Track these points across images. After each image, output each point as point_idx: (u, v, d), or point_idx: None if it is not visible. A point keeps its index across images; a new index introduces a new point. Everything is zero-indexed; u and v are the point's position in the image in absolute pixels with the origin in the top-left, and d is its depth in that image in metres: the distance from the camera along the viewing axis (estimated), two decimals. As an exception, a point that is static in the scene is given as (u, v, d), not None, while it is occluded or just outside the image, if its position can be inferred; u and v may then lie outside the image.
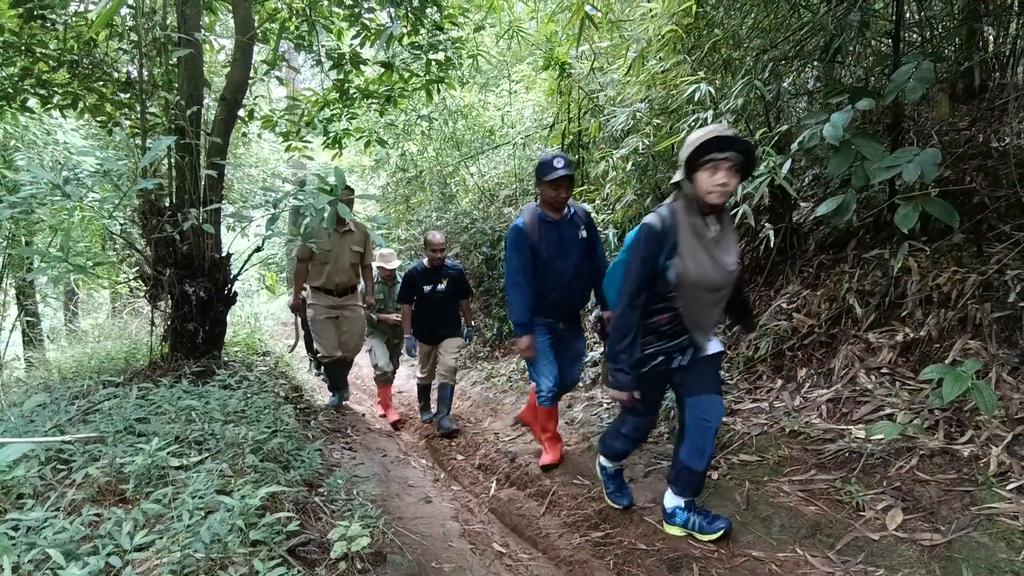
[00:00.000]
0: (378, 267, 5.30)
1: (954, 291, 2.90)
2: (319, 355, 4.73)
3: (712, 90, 3.57)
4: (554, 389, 3.39)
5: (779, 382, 3.38)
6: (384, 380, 5.41)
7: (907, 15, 3.82)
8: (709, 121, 3.53)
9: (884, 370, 2.96)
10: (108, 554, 1.50)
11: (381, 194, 10.32)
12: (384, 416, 5.46)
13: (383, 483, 3.18)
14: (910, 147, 2.62)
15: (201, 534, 1.53)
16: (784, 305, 3.68)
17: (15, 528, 1.60)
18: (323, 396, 5.38)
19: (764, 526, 2.48)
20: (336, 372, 4.89)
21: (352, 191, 4.62)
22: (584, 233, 3.35)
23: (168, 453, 2.06)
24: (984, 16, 3.52)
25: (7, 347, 7.23)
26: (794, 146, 2.96)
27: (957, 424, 2.58)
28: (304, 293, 4.78)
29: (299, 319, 5.08)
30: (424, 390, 5.36)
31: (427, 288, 4.78)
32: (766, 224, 3.52)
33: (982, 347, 2.70)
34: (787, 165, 2.98)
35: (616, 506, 2.90)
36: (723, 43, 3.95)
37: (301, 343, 5.75)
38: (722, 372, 3.72)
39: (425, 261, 4.80)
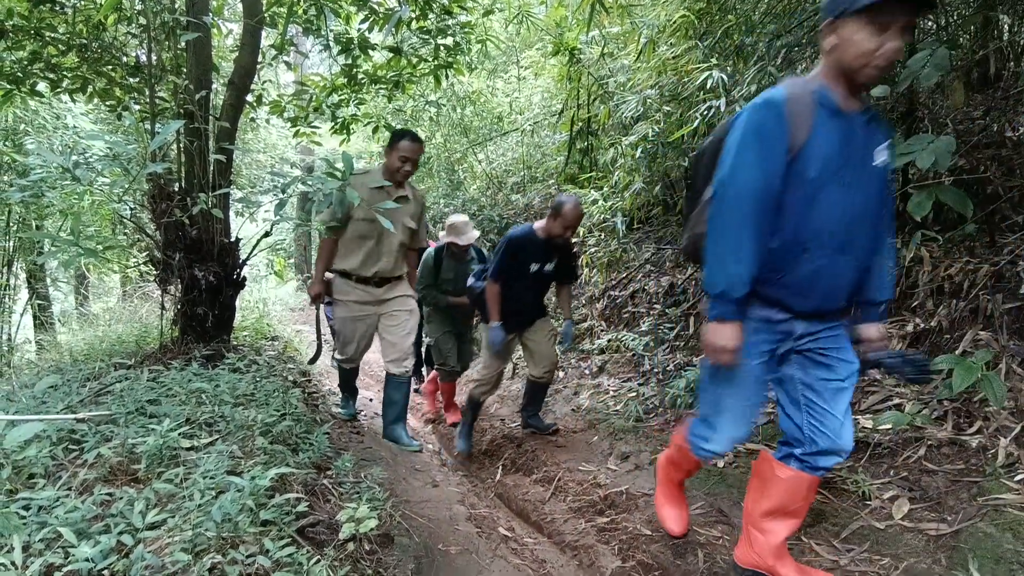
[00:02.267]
0: (447, 243, 4.16)
1: (966, 281, 2.88)
2: (337, 357, 3.76)
3: (724, 77, 3.54)
4: (727, 451, 2.07)
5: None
6: (450, 377, 4.59)
7: (923, 1, 3.75)
8: (722, 109, 3.50)
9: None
10: (120, 533, 1.52)
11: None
12: (436, 419, 4.80)
13: (390, 467, 3.20)
14: (924, 134, 2.59)
15: (212, 513, 1.54)
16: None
17: (26, 507, 1.62)
18: (331, 380, 5.40)
19: (770, 514, 2.48)
20: (353, 376, 3.97)
21: (422, 143, 3.46)
22: (885, 155, 1.80)
23: (179, 434, 2.09)
24: (1000, 4, 3.46)
25: (18, 330, 7.31)
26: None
27: (966, 415, 2.57)
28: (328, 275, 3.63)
29: (321, 313, 4.00)
30: (479, 406, 4.04)
31: (535, 267, 3.59)
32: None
33: (993, 338, 2.68)
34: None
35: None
36: (736, 29, 3.90)
37: (327, 350, 4.88)
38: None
39: (539, 230, 3.57)
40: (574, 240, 4.38)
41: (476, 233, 4.29)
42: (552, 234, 3.51)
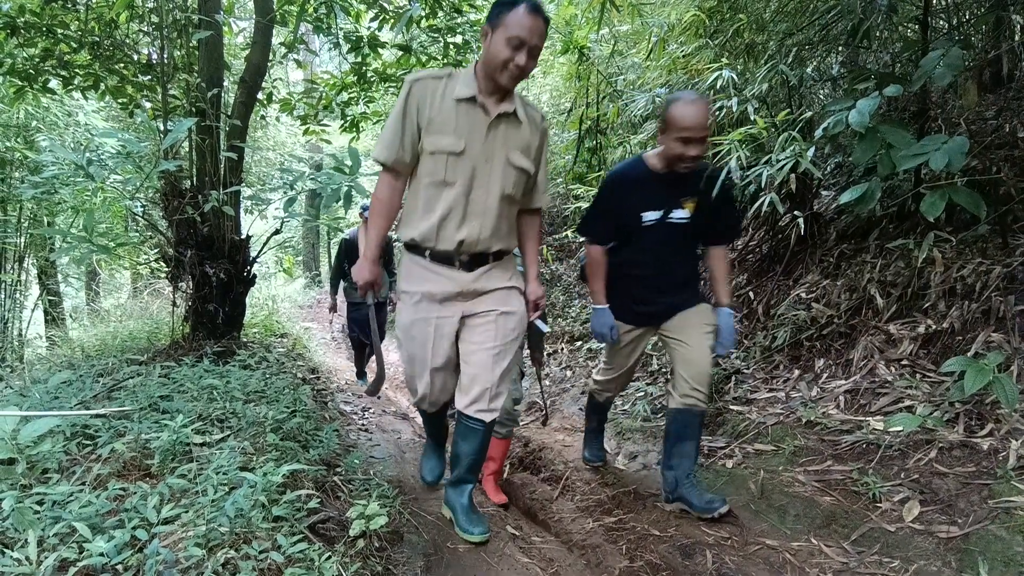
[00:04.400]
0: None
1: (978, 283, 2.86)
2: (416, 402, 2.40)
3: (735, 76, 3.52)
4: None
5: (796, 372, 3.36)
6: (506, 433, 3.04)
7: (935, 0, 3.74)
8: (733, 109, 3.49)
9: (904, 362, 2.93)
10: (134, 527, 1.54)
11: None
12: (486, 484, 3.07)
13: (399, 464, 3.22)
14: (937, 135, 2.57)
15: (226, 508, 1.56)
16: (803, 295, 3.65)
17: (40, 502, 1.63)
18: (339, 377, 5.40)
19: (778, 515, 2.48)
20: (439, 424, 2.66)
21: (546, 18, 2.15)
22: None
23: (192, 430, 2.10)
24: (1012, 4, 3.44)
25: (29, 325, 7.39)
26: (818, 133, 2.92)
27: (977, 417, 2.55)
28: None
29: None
30: (601, 408, 3.09)
31: (651, 217, 2.42)
32: (795, 212, 3.48)
33: (1005, 340, 2.66)
34: (811, 151, 2.94)
35: None
36: (746, 27, 3.88)
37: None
38: (739, 361, 3.71)
39: (651, 159, 2.43)
40: (716, 161, 2.98)
41: None
42: (671, 159, 2.30)
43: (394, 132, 2.03)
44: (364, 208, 5.21)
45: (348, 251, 5.26)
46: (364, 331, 5.48)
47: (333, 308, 5.75)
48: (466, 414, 2.20)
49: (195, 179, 3.67)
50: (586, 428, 3.24)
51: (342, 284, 5.66)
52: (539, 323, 2.46)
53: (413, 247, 2.15)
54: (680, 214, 2.43)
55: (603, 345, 2.86)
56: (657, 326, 2.61)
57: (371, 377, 5.86)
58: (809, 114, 3.43)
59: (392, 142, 2.04)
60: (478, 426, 2.21)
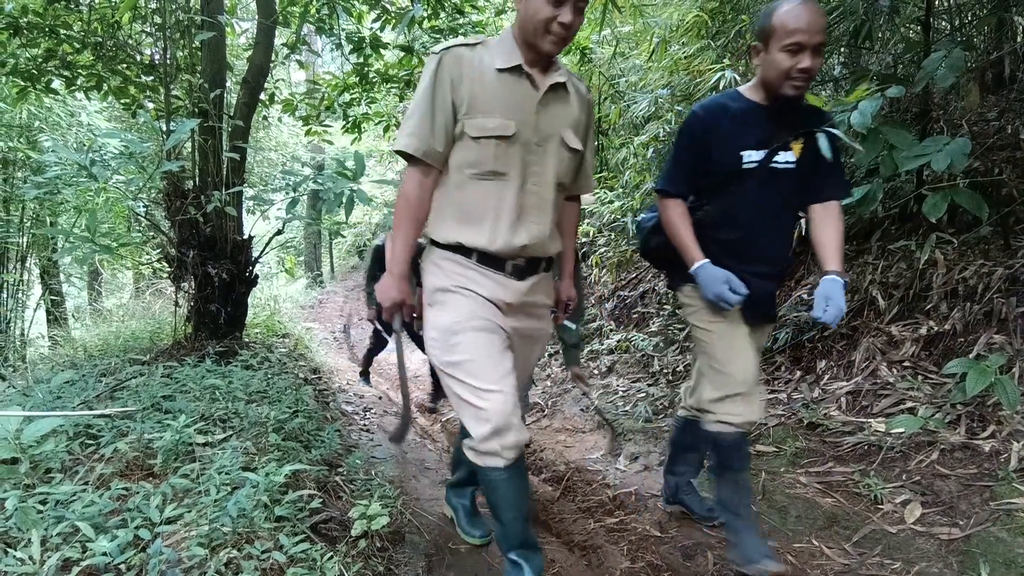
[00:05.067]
0: None
1: (980, 284, 2.86)
2: (482, 440, 1.63)
3: (737, 76, 3.53)
4: None
5: (797, 373, 3.36)
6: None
7: (937, 2, 3.74)
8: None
9: (906, 363, 2.93)
10: (137, 527, 1.54)
11: (399, 180, 10.34)
12: None
13: (400, 465, 3.22)
14: (939, 136, 2.57)
15: (228, 508, 1.56)
16: (805, 296, 3.65)
17: (43, 502, 1.64)
18: (340, 377, 5.41)
19: (780, 516, 2.48)
20: (521, 493, 1.78)
21: None
22: None
23: (194, 430, 2.11)
24: (1014, 5, 3.44)
25: (31, 325, 7.41)
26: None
27: (979, 419, 2.55)
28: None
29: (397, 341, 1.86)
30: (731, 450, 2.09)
31: (754, 157, 1.90)
32: (798, 213, 3.47)
33: (1007, 342, 2.66)
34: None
35: None
36: (748, 28, 3.89)
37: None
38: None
39: (747, 91, 1.97)
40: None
41: None
42: (775, 80, 1.82)
43: (423, 115, 1.62)
44: None
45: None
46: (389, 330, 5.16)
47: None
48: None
49: (198, 179, 3.68)
50: (677, 471, 2.58)
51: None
52: (568, 323, 2.27)
53: (458, 249, 1.70)
54: (786, 157, 1.91)
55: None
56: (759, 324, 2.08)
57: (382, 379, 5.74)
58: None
59: (421, 128, 1.63)
60: None
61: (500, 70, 1.63)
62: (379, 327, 5.10)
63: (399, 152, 1.67)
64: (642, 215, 2.32)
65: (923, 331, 2.95)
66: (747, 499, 2.09)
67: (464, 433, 1.82)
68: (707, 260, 1.92)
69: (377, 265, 4.83)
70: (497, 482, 1.70)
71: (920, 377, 2.83)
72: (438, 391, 4.88)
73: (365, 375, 5.64)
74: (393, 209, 1.74)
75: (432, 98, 1.62)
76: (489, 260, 1.69)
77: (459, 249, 1.70)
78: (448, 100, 1.62)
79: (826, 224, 2.00)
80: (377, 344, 5.36)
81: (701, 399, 2.08)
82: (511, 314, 1.75)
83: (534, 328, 1.85)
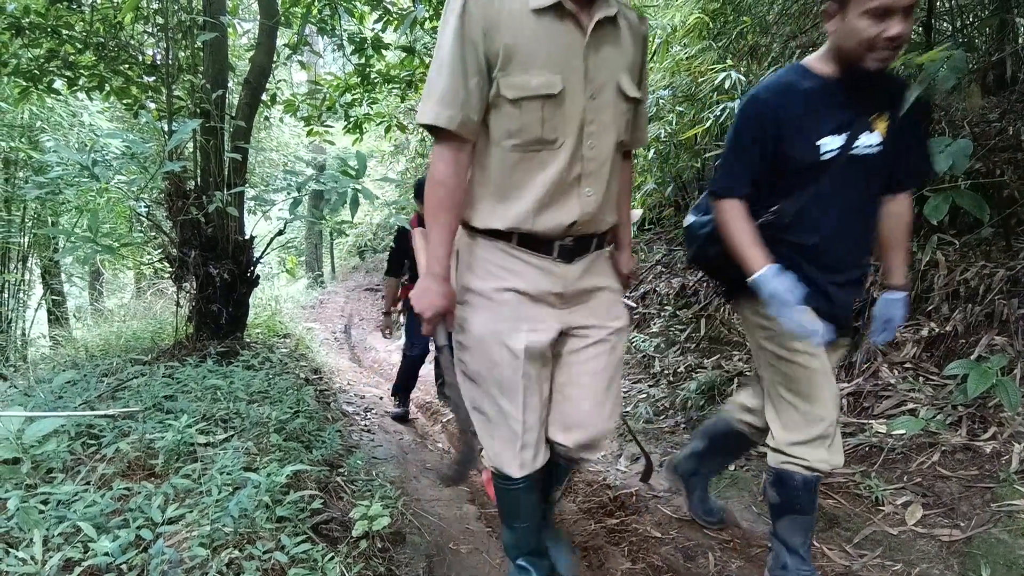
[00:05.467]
0: None
1: (981, 286, 2.86)
2: (499, 463, 1.56)
3: (741, 77, 3.53)
4: None
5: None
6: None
7: (939, 3, 3.74)
8: (736, 111, 3.50)
9: (908, 365, 2.93)
10: (139, 527, 1.54)
11: (400, 179, 10.36)
12: None
13: (401, 465, 3.22)
14: (941, 137, 2.57)
15: (230, 509, 1.56)
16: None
17: (45, 502, 1.64)
18: (341, 377, 5.41)
19: (781, 517, 2.48)
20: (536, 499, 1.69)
21: None
22: None
23: (196, 430, 2.11)
24: (1016, 7, 3.44)
25: (33, 324, 7.42)
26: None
27: (980, 420, 2.55)
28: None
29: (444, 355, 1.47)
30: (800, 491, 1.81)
31: (832, 145, 1.55)
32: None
33: (1008, 343, 2.66)
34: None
35: None
36: (750, 30, 3.89)
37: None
38: (741, 363, 3.71)
39: (816, 64, 1.61)
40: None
41: None
42: (855, 50, 1.48)
43: (452, 76, 1.29)
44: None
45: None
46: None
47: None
48: (567, 453, 1.59)
49: (199, 180, 3.69)
50: (702, 468, 2.35)
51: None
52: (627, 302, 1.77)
53: (493, 234, 1.45)
54: (870, 140, 1.56)
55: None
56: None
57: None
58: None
59: (451, 92, 1.30)
60: (575, 465, 1.66)
61: (536, 11, 1.30)
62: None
63: (426, 126, 1.35)
64: (691, 218, 1.92)
65: (924, 332, 2.95)
66: (809, 540, 1.89)
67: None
68: (775, 265, 1.58)
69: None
70: (513, 492, 1.61)
71: (921, 379, 2.83)
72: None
73: (405, 400, 4.52)
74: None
75: (461, 54, 1.30)
76: (532, 242, 1.43)
77: (497, 233, 1.44)
78: (480, 55, 1.31)
79: (895, 220, 1.71)
80: (418, 363, 4.29)
81: (779, 439, 1.80)
82: (565, 306, 1.49)
83: (604, 319, 1.53)
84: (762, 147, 1.61)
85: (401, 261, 3.93)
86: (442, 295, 1.39)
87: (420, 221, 3.70)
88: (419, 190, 3.95)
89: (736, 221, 1.63)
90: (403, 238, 3.86)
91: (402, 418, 4.27)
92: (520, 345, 1.43)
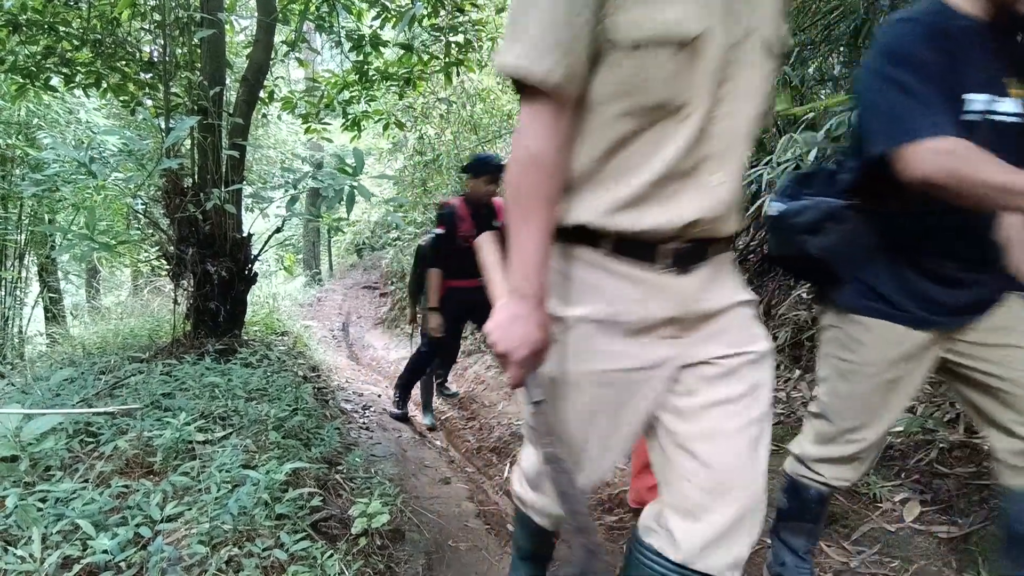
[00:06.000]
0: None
1: (979, 284, 2.86)
2: (529, 506, 1.45)
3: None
4: None
5: (797, 372, 3.37)
6: None
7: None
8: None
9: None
10: (137, 525, 1.54)
11: (398, 177, 10.35)
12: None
13: (400, 463, 3.22)
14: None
15: (229, 506, 1.56)
16: (804, 294, 3.65)
17: (43, 499, 1.64)
18: (340, 376, 5.41)
19: (779, 514, 2.49)
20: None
21: None
22: None
23: (194, 428, 2.11)
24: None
25: (30, 322, 7.40)
26: (820, 134, 2.92)
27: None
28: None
29: (537, 418, 1.02)
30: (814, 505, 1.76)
31: (977, 105, 1.27)
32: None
33: (1006, 341, 2.67)
34: (814, 152, 2.94)
35: None
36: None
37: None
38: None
39: (960, 3, 1.27)
40: None
41: None
42: None
43: (554, 7, 0.90)
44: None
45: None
46: (447, 361, 4.43)
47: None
48: (694, 569, 1.05)
49: (197, 177, 3.68)
50: (785, 545, 1.88)
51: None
52: None
53: (575, 233, 1.03)
54: (1007, 107, 1.28)
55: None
56: (954, 330, 1.44)
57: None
58: (812, 114, 3.43)
59: (552, 30, 0.91)
60: None
61: None
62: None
63: (515, 79, 0.95)
64: (778, 206, 1.56)
65: (922, 330, 2.96)
66: (812, 544, 1.84)
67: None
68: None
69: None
70: (535, 529, 1.50)
71: (919, 376, 2.84)
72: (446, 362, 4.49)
73: (428, 407, 4.45)
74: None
75: None
76: (631, 248, 1.01)
77: (582, 235, 1.02)
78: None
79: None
80: (416, 368, 4.15)
81: (805, 452, 1.67)
82: (682, 331, 1.06)
83: (737, 345, 1.07)
84: (939, 78, 1.24)
85: (449, 249, 3.44)
86: (539, 325, 0.98)
87: (469, 204, 3.43)
88: (475, 166, 3.53)
89: (973, 155, 1.15)
90: (450, 220, 3.41)
91: (403, 418, 4.22)
92: (616, 389, 1.07)
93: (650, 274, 1.02)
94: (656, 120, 0.96)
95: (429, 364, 4.06)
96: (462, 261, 3.38)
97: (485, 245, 1.09)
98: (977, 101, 1.27)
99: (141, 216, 4.24)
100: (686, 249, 1.02)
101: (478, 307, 3.54)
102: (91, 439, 2.14)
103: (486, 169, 3.46)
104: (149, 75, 4.29)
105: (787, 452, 1.89)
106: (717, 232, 1.04)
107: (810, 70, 3.74)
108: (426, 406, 4.43)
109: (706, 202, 0.99)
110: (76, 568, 1.38)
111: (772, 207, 1.59)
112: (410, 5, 4.17)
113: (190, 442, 2.05)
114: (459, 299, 3.63)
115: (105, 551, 1.41)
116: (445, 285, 3.64)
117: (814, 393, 1.68)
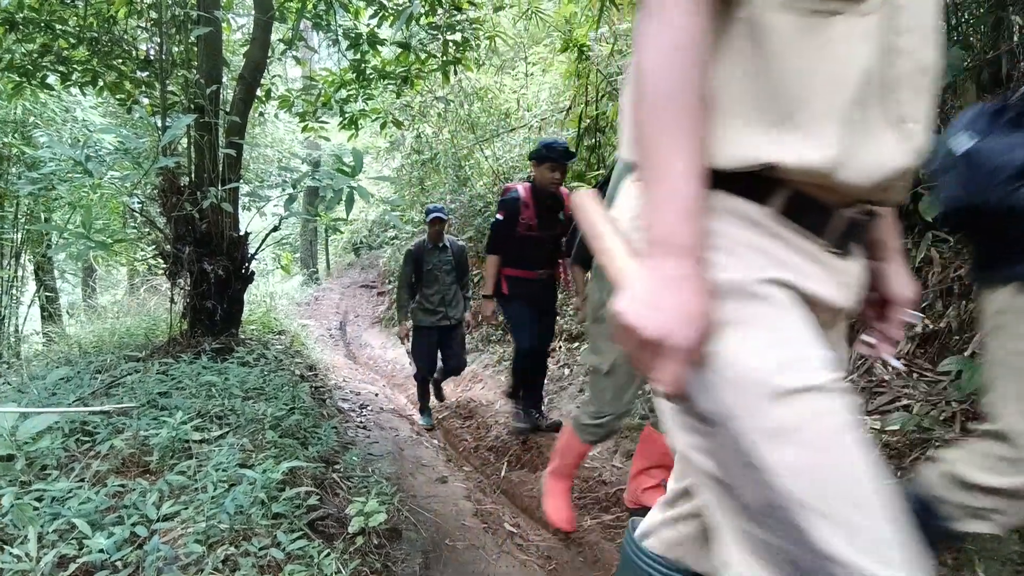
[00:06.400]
0: None
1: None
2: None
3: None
4: None
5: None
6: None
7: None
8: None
9: (902, 361, 2.94)
10: (134, 524, 1.54)
11: (395, 176, 10.34)
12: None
13: (397, 462, 3.22)
14: (936, 135, 2.58)
15: (226, 505, 1.56)
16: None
17: (39, 499, 1.63)
18: (336, 375, 5.40)
19: (776, 513, 2.49)
20: None
21: None
22: None
23: (190, 427, 2.10)
24: (1012, 4, 3.45)
25: (26, 321, 7.37)
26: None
27: (974, 416, 2.56)
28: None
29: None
30: None
31: None
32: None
33: (1002, 340, 2.67)
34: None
35: None
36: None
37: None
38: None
39: None
40: None
41: None
42: None
43: None
44: (431, 211, 4.11)
45: (416, 264, 4.14)
46: (432, 366, 4.42)
47: (404, 335, 4.48)
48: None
49: (193, 176, 3.67)
50: None
51: (412, 304, 4.28)
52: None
53: (736, 180, 0.72)
54: None
55: None
56: None
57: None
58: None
59: None
60: None
61: None
62: (409, 354, 3.91)
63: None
64: (967, 141, 1.29)
65: (918, 329, 2.97)
66: None
67: None
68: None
69: (412, 270, 4.10)
70: None
71: (915, 375, 2.85)
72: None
73: (426, 409, 4.56)
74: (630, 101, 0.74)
75: None
76: (808, 209, 0.73)
77: (750, 184, 0.71)
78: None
79: None
80: (516, 368, 3.81)
81: (968, 476, 1.37)
82: (835, 324, 0.85)
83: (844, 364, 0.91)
84: None
85: (508, 235, 3.28)
86: (700, 291, 0.67)
87: (534, 191, 3.22)
88: (539, 151, 3.30)
89: None
90: (513, 207, 3.23)
91: (527, 431, 3.77)
92: (840, 400, 0.69)
93: (820, 250, 0.75)
94: (829, 19, 0.67)
95: (527, 361, 3.66)
96: (522, 250, 3.33)
97: (586, 201, 0.80)
98: None
99: (137, 215, 4.23)
100: (861, 222, 0.77)
101: (535, 300, 3.50)
102: (87, 438, 2.14)
103: (550, 155, 3.25)
104: (145, 73, 4.27)
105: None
106: (889, 201, 0.80)
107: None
108: (423, 408, 4.50)
109: (914, 142, 0.72)
110: (72, 567, 1.37)
111: (959, 141, 1.27)
112: (407, 3, 4.16)
113: (186, 441, 2.05)
114: (522, 291, 3.49)
115: (101, 550, 1.41)
116: (502, 274, 3.51)
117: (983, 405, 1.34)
